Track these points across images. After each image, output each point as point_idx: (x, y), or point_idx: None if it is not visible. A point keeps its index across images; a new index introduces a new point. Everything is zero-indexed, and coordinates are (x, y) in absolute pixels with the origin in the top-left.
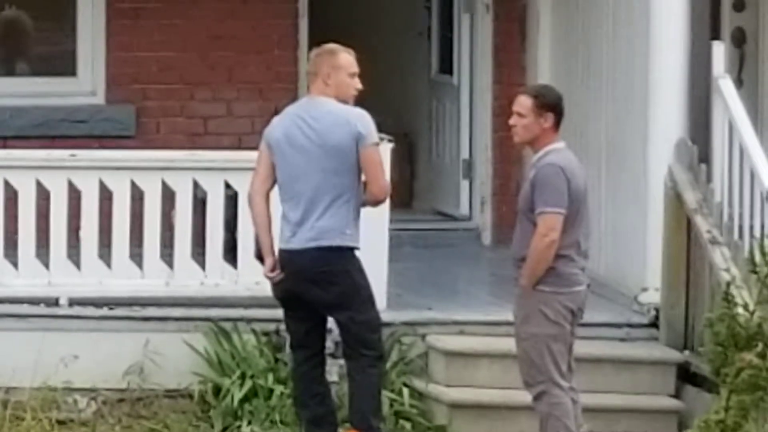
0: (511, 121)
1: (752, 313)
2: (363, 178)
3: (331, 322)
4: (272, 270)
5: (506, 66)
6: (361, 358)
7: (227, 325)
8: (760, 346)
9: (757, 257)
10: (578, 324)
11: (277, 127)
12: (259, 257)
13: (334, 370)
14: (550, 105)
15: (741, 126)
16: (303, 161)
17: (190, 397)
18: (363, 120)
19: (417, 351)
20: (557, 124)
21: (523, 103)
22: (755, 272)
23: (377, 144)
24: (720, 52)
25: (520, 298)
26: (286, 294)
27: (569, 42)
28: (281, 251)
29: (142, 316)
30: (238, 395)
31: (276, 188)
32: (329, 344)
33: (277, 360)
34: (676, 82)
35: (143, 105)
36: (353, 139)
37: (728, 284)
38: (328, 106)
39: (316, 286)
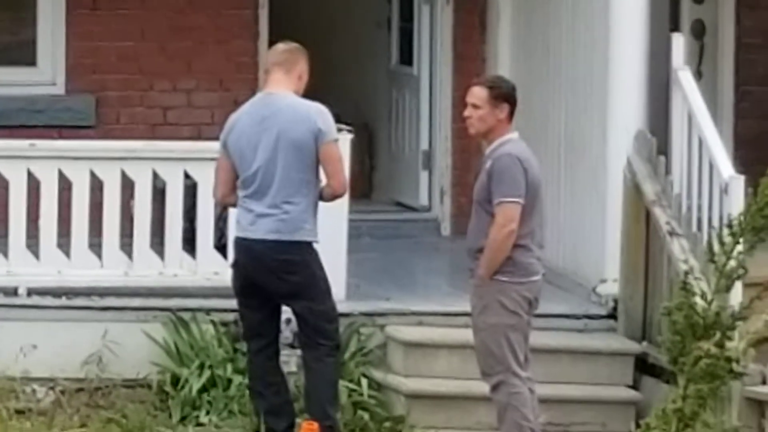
0: (466, 113)
1: (710, 303)
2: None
3: (290, 312)
4: None
5: (466, 57)
6: (318, 348)
7: (186, 315)
8: (718, 335)
9: (716, 247)
10: (534, 314)
11: (234, 127)
12: (219, 247)
13: (293, 360)
14: (505, 95)
15: (700, 118)
16: (263, 157)
17: (149, 386)
18: (323, 116)
19: (376, 341)
20: (511, 114)
21: (478, 94)
22: (713, 261)
23: (337, 140)
24: (679, 44)
25: (478, 289)
26: (245, 281)
27: (529, 33)
28: (238, 238)
29: (101, 306)
30: (196, 385)
31: None
32: (288, 334)
33: (235, 350)
34: (636, 74)
35: (103, 95)
36: (313, 136)
37: (686, 273)
38: (287, 101)
39: (274, 275)
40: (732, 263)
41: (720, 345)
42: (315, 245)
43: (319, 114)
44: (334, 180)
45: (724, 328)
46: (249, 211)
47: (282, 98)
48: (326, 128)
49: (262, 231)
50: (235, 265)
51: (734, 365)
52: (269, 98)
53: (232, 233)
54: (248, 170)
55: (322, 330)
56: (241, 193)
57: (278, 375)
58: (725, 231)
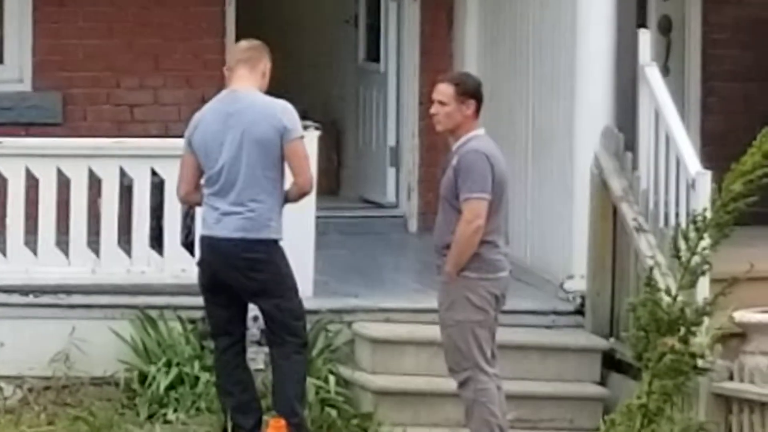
0: (433, 110)
1: (674, 298)
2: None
3: (257, 310)
4: None
5: (433, 54)
6: (285, 345)
7: (153, 313)
8: (682, 330)
9: (681, 243)
10: (501, 311)
11: (199, 125)
12: (186, 244)
13: (260, 357)
14: (471, 92)
15: (667, 114)
16: (228, 154)
17: (116, 384)
18: (288, 113)
19: (343, 338)
20: (478, 110)
21: (445, 91)
22: (678, 257)
23: (302, 137)
24: (646, 39)
25: (445, 285)
26: (211, 279)
27: (496, 29)
28: (204, 237)
29: (68, 303)
30: (164, 383)
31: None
32: (255, 332)
33: (203, 347)
34: (603, 70)
35: (70, 92)
36: (278, 133)
37: (651, 269)
38: (252, 98)
39: (240, 273)
40: (696, 259)
41: (684, 341)
42: (281, 243)
43: (284, 111)
44: (301, 177)
45: (688, 323)
46: (214, 209)
47: (247, 95)
48: (291, 125)
49: (227, 229)
50: (201, 263)
51: (698, 361)
52: (234, 95)
53: (198, 231)
54: (213, 168)
55: (289, 327)
56: (206, 190)
57: (245, 372)
58: (690, 227)
